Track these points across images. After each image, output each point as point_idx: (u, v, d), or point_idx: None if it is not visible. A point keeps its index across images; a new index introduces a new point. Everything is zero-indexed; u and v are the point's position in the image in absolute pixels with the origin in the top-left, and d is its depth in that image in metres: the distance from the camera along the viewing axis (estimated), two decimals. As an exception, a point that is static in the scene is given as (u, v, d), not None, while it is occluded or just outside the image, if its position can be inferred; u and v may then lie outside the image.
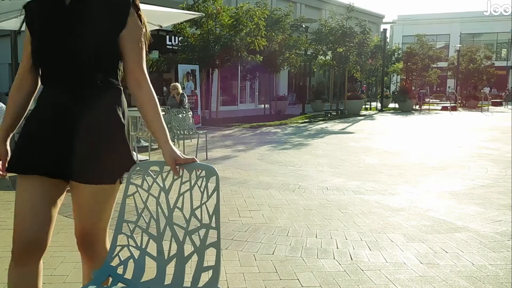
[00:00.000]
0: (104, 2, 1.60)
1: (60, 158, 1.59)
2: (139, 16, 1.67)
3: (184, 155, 1.67)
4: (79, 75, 1.59)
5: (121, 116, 1.66)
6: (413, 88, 27.06)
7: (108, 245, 1.78)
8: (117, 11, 1.61)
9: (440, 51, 31.72)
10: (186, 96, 10.43)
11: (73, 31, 1.57)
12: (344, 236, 3.68)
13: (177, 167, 1.66)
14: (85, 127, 1.58)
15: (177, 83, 10.69)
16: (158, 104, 1.69)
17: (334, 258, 3.20)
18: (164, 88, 19.53)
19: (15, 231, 1.59)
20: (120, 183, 1.73)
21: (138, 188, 1.75)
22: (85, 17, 1.58)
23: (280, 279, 2.84)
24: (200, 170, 1.69)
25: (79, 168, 1.60)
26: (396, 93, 27.10)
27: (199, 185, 1.68)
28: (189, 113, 7.95)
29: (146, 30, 1.69)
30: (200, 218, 1.69)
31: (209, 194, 1.69)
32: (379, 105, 25.60)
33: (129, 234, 1.74)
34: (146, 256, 1.72)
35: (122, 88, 1.69)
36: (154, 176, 1.77)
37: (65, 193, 1.71)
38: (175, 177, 1.70)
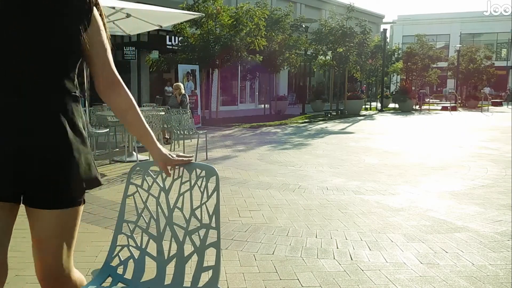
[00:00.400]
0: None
1: (9, 178, 1.34)
2: (101, 14, 1.49)
3: (175, 155, 1.62)
4: (30, 79, 1.33)
5: (80, 126, 1.44)
6: (413, 88, 27.05)
7: (76, 275, 1.58)
8: (79, 7, 1.40)
9: (440, 51, 31.71)
10: (187, 97, 10.43)
11: (24, 26, 1.31)
12: (344, 236, 3.68)
13: (169, 167, 1.62)
14: (36, 141, 1.34)
15: (180, 83, 10.69)
16: (138, 106, 1.56)
17: (334, 258, 3.20)
18: (170, 88, 19.53)
19: None
20: (83, 202, 1.51)
21: (138, 188, 1.75)
22: (38, 9, 1.34)
23: (280, 279, 2.84)
24: (200, 170, 1.69)
25: (33, 190, 1.37)
26: (394, 93, 27.11)
27: (199, 185, 1.68)
28: (188, 113, 7.94)
29: (106, 29, 1.51)
30: (200, 218, 1.69)
31: (209, 194, 1.69)
32: (379, 105, 25.60)
33: (129, 234, 1.74)
34: (146, 256, 1.72)
35: (79, 95, 1.48)
36: (154, 176, 1.77)
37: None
38: (175, 177, 1.70)
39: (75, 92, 1.44)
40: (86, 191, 1.48)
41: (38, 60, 1.32)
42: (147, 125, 1.57)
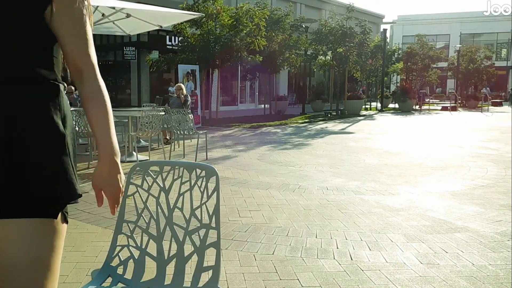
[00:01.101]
0: None
1: None
2: None
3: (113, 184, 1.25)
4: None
5: (58, 122, 1.16)
6: (413, 87, 27.06)
7: None
8: None
9: (440, 51, 31.72)
10: (189, 98, 10.46)
11: None
12: (344, 236, 3.68)
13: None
14: (4, 140, 1.10)
15: (181, 84, 10.71)
16: (107, 100, 1.24)
17: (334, 258, 3.20)
18: (172, 89, 19.53)
19: None
20: (66, 221, 1.20)
21: (138, 188, 1.75)
22: None
23: (280, 279, 2.84)
24: (200, 170, 1.69)
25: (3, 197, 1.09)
26: (392, 93, 27.11)
27: (199, 185, 1.69)
28: (190, 115, 7.94)
29: (85, 6, 1.20)
30: (200, 218, 1.69)
31: (209, 194, 1.69)
32: (379, 105, 25.61)
33: (129, 234, 1.74)
34: (146, 256, 1.72)
35: (60, 83, 1.21)
36: (154, 176, 1.77)
37: None
38: (175, 177, 1.70)
39: (53, 80, 1.18)
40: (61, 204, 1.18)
41: None
42: (108, 122, 1.23)
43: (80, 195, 1.20)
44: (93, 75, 1.22)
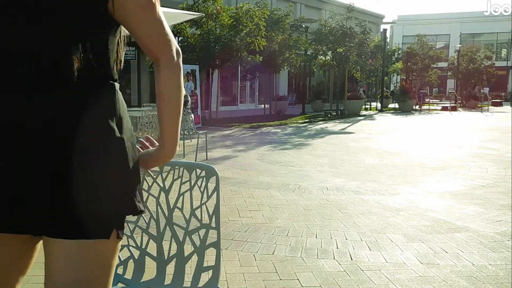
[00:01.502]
0: None
1: (16, 202, 0.99)
2: None
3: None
4: (42, 68, 0.98)
5: (113, 127, 1.05)
6: (413, 87, 27.07)
7: None
8: None
9: (440, 51, 31.74)
10: (189, 98, 10.47)
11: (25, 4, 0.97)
12: (344, 236, 3.68)
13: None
14: (53, 150, 0.98)
15: None
16: (175, 96, 1.14)
17: (334, 258, 3.20)
18: None
19: None
20: (119, 237, 1.07)
21: (138, 188, 1.75)
22: None
23: (280, 279, 2.84)
24: (200, 170, 1.69)
25: (46, 215, 0.99)
26: (391, 93, 27.09)
27: (199, 185, 1.69)
28: (190, 115, 7.94)
29: None
30: (200, 218, 1.69)
31: (209, 194, 1.69)
32: (379, 105, 25.61)
33: (129, 234, 1.74)
34: (146, 256, 1.72)
35: (115, 82, 1.10)
36: (154, 176, 1.77)
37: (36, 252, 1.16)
38: (175, 177, 1.70)
39: (110, 79, 1.07)
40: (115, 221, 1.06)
41: (44, 42, 0.98)
42: (171, 123, 1.16)
43: (142, 211, 1.10)
44: (170, 65, 1.14)
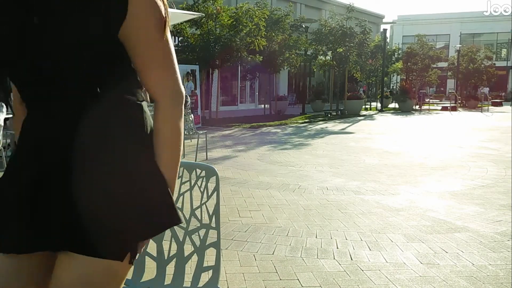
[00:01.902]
0: None
1: (39, 221, 1.00)
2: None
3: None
4: (66, 91, 0.99)
5: (143, 145, 1.05)
6: (413, 87, 27.06)
7: None
8: None
9: (440, 51, 31.74)
10: (189, 99, 10.46)
11: (43, 24, 0.96)
12: (344, 236, 3.68)
13: None
14: (79, 166, 0.98)
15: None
16: (176, 137, 1.07)
17: (334, 258, 3.20)
18: None
19: None
20: (131, 262, 1.02)
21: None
22: (58, 4, 0.95)
23: (280, 279, 2.84)
24: (200, 170, 1.69)
25: (65, 230, 0.98)
26: (389, 92, 27.07)
27: (199, 185, 1.69)
28: (190, 115, 7.94)
29: (166, 8, 1.01)
30: (200, 218, 1.69)
31: (209, 194, 1.69)
32: (379, 105, 25.61)
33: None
34: (146, 256, 1.72)
35: (142, 101, 1.09)
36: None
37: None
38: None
39: (135, 99, 1.05)
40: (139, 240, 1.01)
41: (65, 66, 0.98)
42: (171, 164, 1.07)
43: (163, 229, 1.06)
44: (169, 103, 1.06)
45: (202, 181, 1.68)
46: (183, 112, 1.10)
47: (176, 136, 1.06)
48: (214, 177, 1.67)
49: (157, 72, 1.04)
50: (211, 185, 1.67)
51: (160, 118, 1.05)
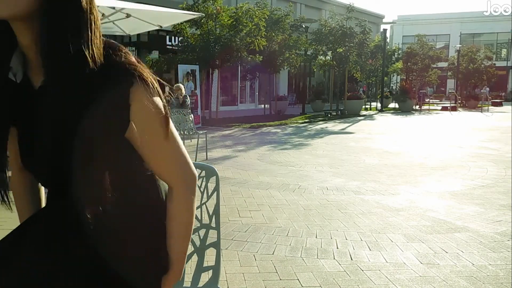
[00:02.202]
0: (93, 82, 0.88)
1: None
2: (150, 86, 0.94)
3: None
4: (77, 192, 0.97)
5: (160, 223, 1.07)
6: (413, 87, 27.07)
7: None
8: (112, 101, 0.90)
9: (440, 51, 31.74)
10: (188, 98, 10.45)
11: (46, 127, 0.93)
12: (344, 236, 3.68)
13: None
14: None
15: (180, 84, 10.70)
16: (187, 220, 1.07)
17: (334, 258, 3.20)
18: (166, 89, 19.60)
19: None
20: None
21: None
22: (59, 107, 0.89)
23: (280, 279, 2.84)
24: (200, 170, 1.69)
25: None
26: (389, 92, 27.07)
27: (199, 185, 1.68)
28: (190, 115, 7.93)
29: (164, 105, 0.98)
30: (200, 218, 1.69)
31: (209, 194, 1.69)
32: (379, 105, 25.61)
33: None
34: (146, 256, 1.72)
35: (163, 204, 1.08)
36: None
37: None
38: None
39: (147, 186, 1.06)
40: None
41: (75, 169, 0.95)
42: (182, 245, 1.09)
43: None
44: (183, 192, 1.05)
45: (202, 181, 1.68)
46: (196, 193, 1.10)
47: (190, 218, 1.08)
48: (214, 177, 1.66)
49: (168, 166, 1.03)
50: (211, 185, 1.67)
51: (176, 205, 1.05)
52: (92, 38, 0.88)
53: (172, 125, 1.01)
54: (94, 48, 0.87)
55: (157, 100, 0.96)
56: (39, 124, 0.95)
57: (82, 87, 0.87)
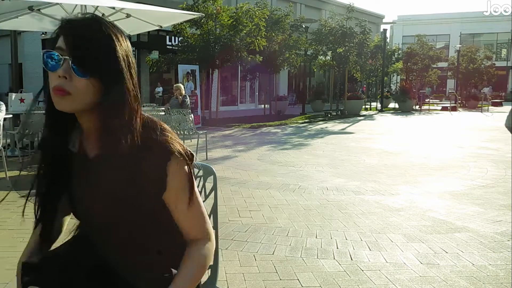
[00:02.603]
0: (137, 154, 1.10)
1: None
2: (181, 159, 1.15)
3: None
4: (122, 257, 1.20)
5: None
6: (413, 87, 27.07)
7: None
8: (153, 172, 1.12)
9: (440, 51, 31.75)
10: (188, 98, 10.43)
11: (96, 197, 1.15)
12: (344, 236, 3.67)
13: None
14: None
15: (180, 84, 10.68)
16: (205, 266, 1.23)
17: (334, 258, 3.19)
18: (161, 89, 19.59)
19: None
20: None
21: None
22: (112, 181, 1.11)
23: (280, 279, 2.84)
24: (197, 170, 1.68)
25: None
26: (391, 91, 27.04)
27: (197, 185, 1.68)
28: (190, 115, 7.93)
29: (190, 168, 1.19)
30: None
31: (207, 193, 1.68)
32: (379, 105, 25.60)
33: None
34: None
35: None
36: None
37: None
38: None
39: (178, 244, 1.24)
40: None
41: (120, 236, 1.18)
42: (189, 272, 1.20)
43: None
44: (202, 241, 1.23)
45: (199, 181, 1.68)
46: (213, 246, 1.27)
47: (206, 265, 1.23)
48: (212, 177, 1.66)
49: (191, 221, 1.22)
50: (209, 185, 1.67)
51: (195, 254, 1.21)
52: (137, 121, 1.12)
53: (196, 190, 1.23)
54: (137, 128, 1.11)
55: (186, 170, 1.17)
56: (92, 187, 1.15)
57: (129, 159, 1.09)
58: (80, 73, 1.05)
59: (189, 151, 1.19)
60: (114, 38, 1.09)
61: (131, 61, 1.13)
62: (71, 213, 1.29)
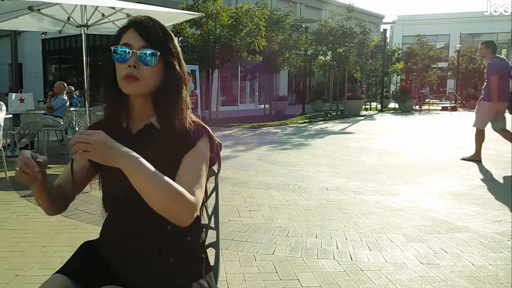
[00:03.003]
0: (177, 134, 1.31)
1: None
2: (210, 140, 1.37)
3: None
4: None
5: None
6: (413, 87, 27.07)
7: None
8: (188, 145, 1.32)
9: (440, 51, 31.75)
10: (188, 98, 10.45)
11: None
12: (344, 236, 3.67)
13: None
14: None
15: None
16: (169, 189, 1.19)
17: (334, 258, 3.19)
18: None
19: None
20: None
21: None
22: (154, 152, 1.28)
23: (280, 279, 2.84)
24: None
25: None
26: (387, 93, 27.06)
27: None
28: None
29: (217, 149, 1.42)
30: (199, 218, 1.69)
31: (208, 194, 1.68)
32: (379, 105, 25.61)
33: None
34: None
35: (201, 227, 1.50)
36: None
37: None
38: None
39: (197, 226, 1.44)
40: None
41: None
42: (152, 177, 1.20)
43: None
44: (188, 194, 1.27)
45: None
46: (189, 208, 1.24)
47: (172, 194, 1.18)
48: (213, 177, 1.66)
49: (187, 183, 1.27)
50: (210, 185, 1.67)
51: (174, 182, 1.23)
52: (187, 102, 1.37)
53: (205, 169, 1.35)
54: (184, 113, 1.35)
55: (208, 151, 1.36)
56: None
57: (179, 135, 1.31)
58: (147, 62, 1.28)
59: (218, 140, 1.42)
60: (170, 35, 1.34)
61: (180, 53, 1.37)
62: (83, 189, 1.47)
